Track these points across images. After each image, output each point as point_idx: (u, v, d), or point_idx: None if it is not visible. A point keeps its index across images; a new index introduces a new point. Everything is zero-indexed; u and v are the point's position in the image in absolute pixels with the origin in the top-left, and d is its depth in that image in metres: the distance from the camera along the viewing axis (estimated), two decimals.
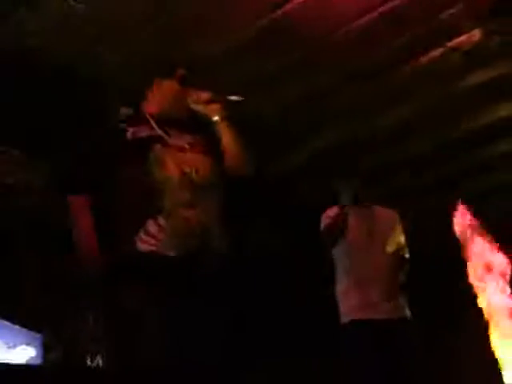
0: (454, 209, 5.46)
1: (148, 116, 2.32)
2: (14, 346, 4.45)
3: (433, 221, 5.89)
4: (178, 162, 2.22)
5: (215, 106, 2.29)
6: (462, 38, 4.33)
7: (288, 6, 3.73)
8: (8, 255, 4.67)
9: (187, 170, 2.21)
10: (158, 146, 2.22)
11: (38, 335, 4.65)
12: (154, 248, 2.10)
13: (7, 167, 4.80)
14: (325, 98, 4.65)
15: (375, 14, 3.99)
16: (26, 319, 4.54)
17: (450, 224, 5.43)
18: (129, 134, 2.24)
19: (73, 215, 2.25)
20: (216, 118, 2.28)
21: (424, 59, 4.41)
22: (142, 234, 2.12)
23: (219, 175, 2.30)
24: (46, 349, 4.62)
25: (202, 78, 2.34)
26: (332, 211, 3.64)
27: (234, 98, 2.28)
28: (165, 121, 2.31)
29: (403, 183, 5.92)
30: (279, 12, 3.76)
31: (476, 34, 4.33)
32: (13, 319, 4.48)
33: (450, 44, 4.35)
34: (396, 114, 4.97)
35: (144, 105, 2.39)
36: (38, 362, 4.56)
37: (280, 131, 5.00)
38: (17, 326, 4.55)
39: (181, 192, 2.17)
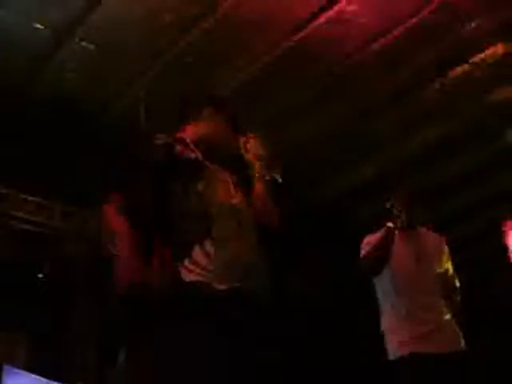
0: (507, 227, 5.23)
1: (189, 142, 2.19)
2: None
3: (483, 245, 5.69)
4: (228, 191, 2.13)
5: (262, 165, 2.21)
6: (486, 53, 4.26)
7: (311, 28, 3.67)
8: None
9: (234, 202, 2.11)
10: (209, 170, 2.12)
11: None
12: (201, 278, 1.94)
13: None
14: (356, 124, 4.56)
15: (397, 32, 3.93)
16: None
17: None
18: (177, 150, 2.10)
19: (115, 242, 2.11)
20: (257, 174, 2.21)
21: (448, 76, 4.33)
22: (187, 262, 1.97)
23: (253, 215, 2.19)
24: None
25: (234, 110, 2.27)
26: (374, 237, 3.37)
27: (278, 177, 2.20)
28: (205, 151, 2.19)
29: (445, 205, 5.74)
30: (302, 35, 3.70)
31: (499, 49, 4.27)
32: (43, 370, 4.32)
33: (473, 59, 4.27)
34: (433, 134, 4.86)
35: (182, 133, 2.27)
36: None
37: (317, 159, 4.90)
38: (44, 379, 4.38)
39: (231, 222, 2.06)
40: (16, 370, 4.26)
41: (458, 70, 4.33)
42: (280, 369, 2.00)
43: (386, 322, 3.31)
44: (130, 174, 2.23)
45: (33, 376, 4.31)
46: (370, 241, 3.38)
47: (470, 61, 4.25)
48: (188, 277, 1.95)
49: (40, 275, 4.95)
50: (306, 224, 5.50)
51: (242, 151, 2.23)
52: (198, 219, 2.01)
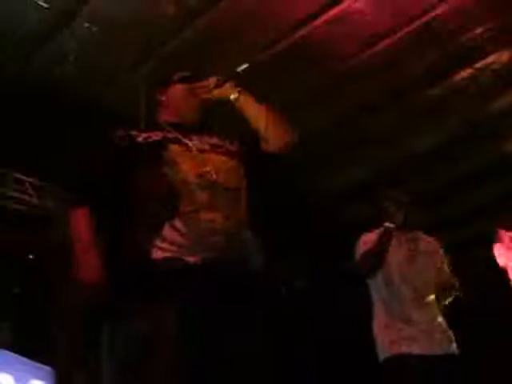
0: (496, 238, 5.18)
1: (163, 123, 2.15)
2: (27, 381, 4.26)
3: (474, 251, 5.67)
4: (196, 164, 2.01)
5: (227, 85, 2.12)
6: (490, 58, 4.22)
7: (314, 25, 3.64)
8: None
9: (206, 171, 2.00)
10: (173, 148, 2.03)
11: (50, 369, 4.47)
12: (172, 255, 1.86)
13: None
14: (353, 123, 4.53)
15: (402, 33, 3.89)
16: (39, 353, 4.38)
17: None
18: (140, 139, 2.05)
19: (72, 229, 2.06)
20: (233, 95, 2.10)
21: (452, 80, 4.30)
22: (157, 241, 1.89)
23: (244, 179, 2.09)
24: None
25: None
26: (369, 236, 3.32)
27: (241, 68, 2.12)
28: (183, 127, 2.13)
29: (444, 210, 5.71)
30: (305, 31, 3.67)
31: (504, 54, 4.23)
32: (26, 353, 4.31)
33: (477, 65, 4.23)
34: (428, 138, 4.84)
35: (158, 115, 2.23)
36: None
37: (314, 156, 4.88)
38: (29, 361, 4.38)
39: (201, 193, 1.95)
40: (1, 351, 4.26)
41: (462, 73, 4.29)
42: (258, 345, 1.91)
43: (377, 319, 3.28)
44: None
45: (15, 355, 4.31)
46: (366, 241, 3.33)
47: (474, 66, 4.21)
48: (159, 255, 1.88)
49: (30, 256, 4.94)
50: (302, 218, 5.49)
51: (205, 95, 2.14)
52: (163, 201, 1.95)
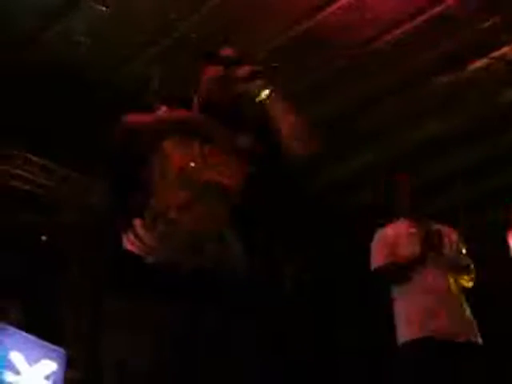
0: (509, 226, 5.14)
1: (195, 101, 2.04)
2: (37, 361, 4.32)
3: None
4: (188, 159, 1.91)
5: (259, 82, 1.96)
6: (506, 48, 4.18)
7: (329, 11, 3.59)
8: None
9: (192, 167, 1.90)
10: (172, 138, 1.93)
11: (61, 350, 4.53)
12: (137, 250, 1.82)
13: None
14: (366, 109, 4.50)
15: (417, 21, 3.86)
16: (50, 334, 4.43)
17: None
18: (159, 112, 1.98)
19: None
20: (264, 94, 1.94)
21: (467, 69, 4.26)
22: (129, 234, 1.84)
23: (241, 177, 1.97)
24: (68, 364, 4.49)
25: None
26: (387, 232, 3.22)
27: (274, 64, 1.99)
28: (212, 111, 2.00)
29: (451, 197, 5.69)
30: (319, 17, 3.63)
31: None
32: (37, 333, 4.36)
33: (493, 54, 4.19)
34: (439, 126, 4.81)
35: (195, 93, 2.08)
36: (60, 376, 4.43)
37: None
38: (40, 340, 4.43)
39: (176, 192, 1.88)
40: (10, 329, 4.31)
41: (476, 64, 4.26)
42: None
43: (397, 307, 3.21)
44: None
45: (27, 335, 4.36)
46: (387, 239, 3.24)
47: (489, 56, 4.17)
48: (128, 247, 1.85)
49: (43, 238, 4.95)
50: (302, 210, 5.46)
51: (236, 87, 1.99)
52: (145, 193, 1.91)
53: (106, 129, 2.06)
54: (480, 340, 3.12)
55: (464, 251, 3.34)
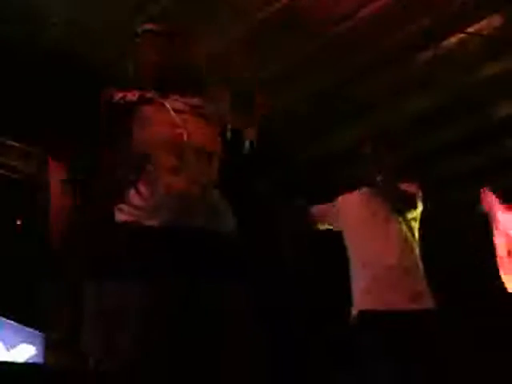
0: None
1: (142, 77, 2.10)
2: (15, 345, 4.30)
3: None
4: (169, 125, 1.95)
5: (250, 131, 2.05)
6: (482, 23, 4.15)
7: None
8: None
9: (177, 133, 1.94)
10: (147, 108, 1.98)
11: (40, 333, 4.50)
12: (133, 218, 1.84)
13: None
14: (341, 90, 4.47)
15: None
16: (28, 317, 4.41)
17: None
18: (116, 99, 2.00)
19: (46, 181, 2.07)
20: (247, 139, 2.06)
21: (442, 46, 4.23)
22: (121, 204, 1.88)
23: (220, 144, 2.04)
24: (47, 347, 4.47)
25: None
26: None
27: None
28: (164, 83, 2.07)
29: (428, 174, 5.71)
30: None
31: (496, 19, 4.16)
32: (14, 317, 4.34)
33: (469, 30, 4.16)
34: (417, 103, 4.79)
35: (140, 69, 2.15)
36: (39, 360, 4.41)
37: (307, 122, 4.85)
38: (18, 325, 4.41)
39: (165, 157, 1.92)
40: None
41: (453, 39, 4.23)
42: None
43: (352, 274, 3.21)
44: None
45: (6, 320, 4.34)
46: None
47: (465, 31, 4.14)
48: (119, 217, 1.87)
49: (18, 222, 4.93)
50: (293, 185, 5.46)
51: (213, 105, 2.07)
52: (131, 164, 1.93)
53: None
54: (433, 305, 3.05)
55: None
